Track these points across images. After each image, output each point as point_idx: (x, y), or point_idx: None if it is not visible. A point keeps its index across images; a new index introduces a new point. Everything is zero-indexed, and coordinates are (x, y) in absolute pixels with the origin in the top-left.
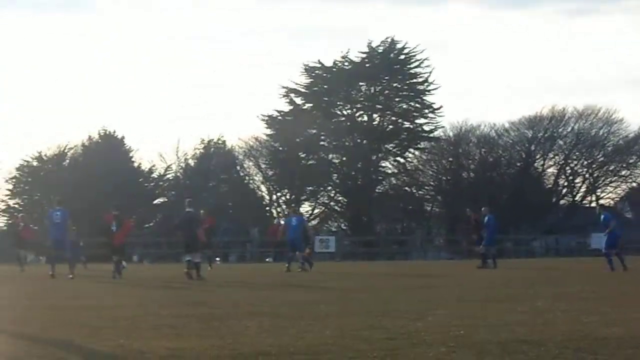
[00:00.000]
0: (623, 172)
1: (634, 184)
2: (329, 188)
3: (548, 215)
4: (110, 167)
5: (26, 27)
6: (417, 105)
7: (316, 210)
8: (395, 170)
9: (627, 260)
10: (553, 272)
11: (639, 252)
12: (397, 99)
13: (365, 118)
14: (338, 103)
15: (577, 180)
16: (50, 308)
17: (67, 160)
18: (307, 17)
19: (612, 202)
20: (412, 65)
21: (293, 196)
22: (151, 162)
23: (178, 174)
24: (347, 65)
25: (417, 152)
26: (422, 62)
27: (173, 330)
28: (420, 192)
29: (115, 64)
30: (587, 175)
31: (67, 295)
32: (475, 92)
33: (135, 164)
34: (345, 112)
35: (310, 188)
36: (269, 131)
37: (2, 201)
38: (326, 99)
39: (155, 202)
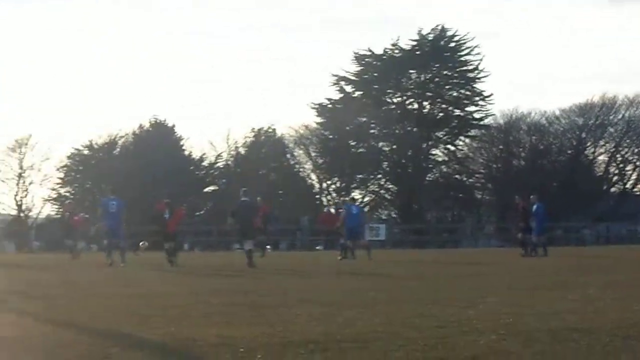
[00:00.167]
0: None
1: None
2: (379, 176)
3: (599, 203)
4: (160, 155)
5: (73, 13)
6: (468, 92)
7: (366, 198)
8: (446, 158)
9: None
10: (603, 260)
11: None
12: (447, 87)
13: (416, 106)
14: (388, 91)
15: (627, 168)
16: (100, 296)
17: (118, 149)
18: (358, 6)
19: None
20: (462, 53)
21: (343, 184)
22: (202, 150)
23: (229, 162)
24: (397, 53)
25: (467, 140)
26: (472, 50)
27: (223, 318)
28: (470, 180)
29: (166, 53)
30: (637, 163)
31: (117, 283)
32: (526, 80)
33: (186, 152)
34: (395, 100)
35: (360, 176)
36: (319, 119)
37: (53, 190)
38: (376, 86)
39: (205, 190)
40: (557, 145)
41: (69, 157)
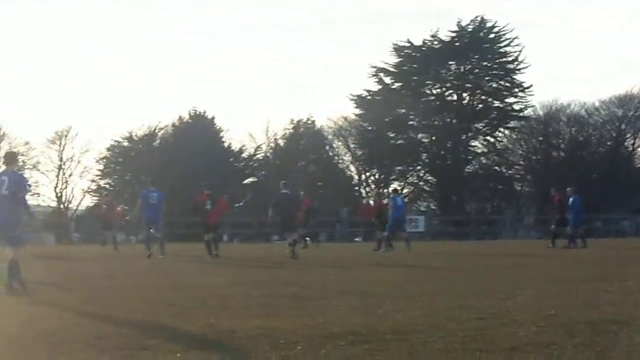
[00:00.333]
0: None
1: None
2: (418, 168)
3: (638, 194)
4: (200, 147)
5: (113, 3)
6: (507, 84)
7: (405, 190)
8: (485, 150)
9: None
10: None
11: None
12: (486, 78)
13: (455, 97)
14: (427, 82)
15: None
16: (139, 288)
17: (158, 141)
18: None
19: None
20: (502, 44)
21: (382, 176)
22: (241, 142)
23: (268, 154)
24: (436, 45)
25: (507, 132)
26: (512, 41)
27: (263, 309)
28: (510, 171)
29: (206, 44)
30: None
31: (156, 274)
32: (566, 71)
33: (226, 144)
34: (434, 92)
35: (399, 168)
36: (358, 111)
37: (93, 181)
38: (415, 78)
39: (245, 182)
40: (596, 137)
41: (108, 149)
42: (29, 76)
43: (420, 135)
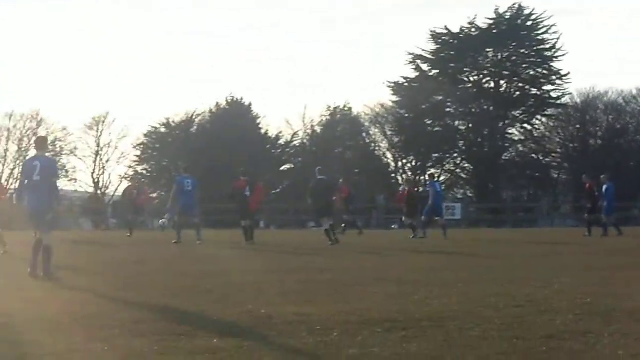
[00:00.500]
0: None
1: None
2: (455, 155)
3: None
4: (237, 133)
5: None
6: (544, 71)
7: (442, 178)
8: (522, 137)
9: None
10: None
11: None
12: (524, 65)
13: (492, 84)
14: (464, 69)
15: None
16: (176, 274)
17: (195, 127)
18: None
19: None
20: (539, 31)
21: (419, 163)
22: (278, 128)
23: (304, 141)
24: (474, 32)
25: (544, 119)
26: (549, 28)
27: (300, 296)
28: (547, 159)
29: (243, 30)
30: None
31: (193, 261)
32: (603, 59)
33: (262, 131)
34: (471, 79)
35: (436, 155)
36: (395, 98)
37: (130, 167)
38: (453, 65)
39: (282, 168)
40: (634, 125)
41: (146, 135)
42: (67, 62)
43: (457, 123)
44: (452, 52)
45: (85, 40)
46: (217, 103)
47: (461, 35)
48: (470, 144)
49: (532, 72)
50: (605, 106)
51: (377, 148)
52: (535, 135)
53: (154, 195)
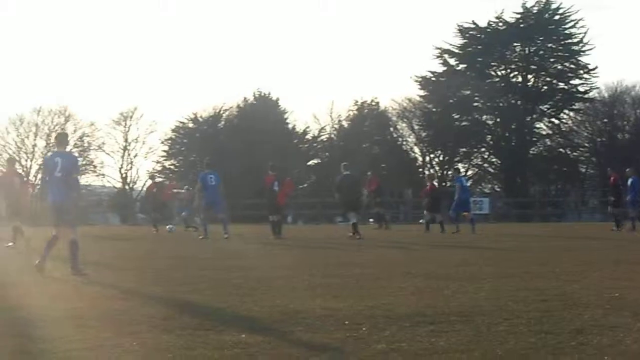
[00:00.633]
0: None
1: None
2: (483, 149)
3: None
4: (265, 128)
5: None
6: (572, 65)
7: (469, 172)
8: (550, 132)
9: None
10: None
11: None
12: (551, 60)
13: (520, 79)
14: (492, 64)
15: None
16: (203, 268)
17: (223, 122)
18: None
19: None
20: (566, 26)
21: (446, 157)
22: (305, 123)
23: (332, 136)
24: (501, 26)
25: (571, 113)
26: (576, 23)
27: (327, 290)
28: (574, 153)
29: (271, 25)
30: None
31: (220, 255)
32: (631, 53)
33: (290, 126)
34: (499, 73)
35: (464, 149)
36: (422, 92)
37: (158, 162)
38: (480, 59)
39: (309, 163)
40: None
41: (173, 130)
42: (95, 57)
43: (484, 117)
44: (479, 47)
45: (114, 35)
46: (245, 98)
47: (488, 30)
48: (498, 139)
49: (559, 67)
50: (632, 100)
51: (404, 143)
52: (563, 129)
53: (182, 190)
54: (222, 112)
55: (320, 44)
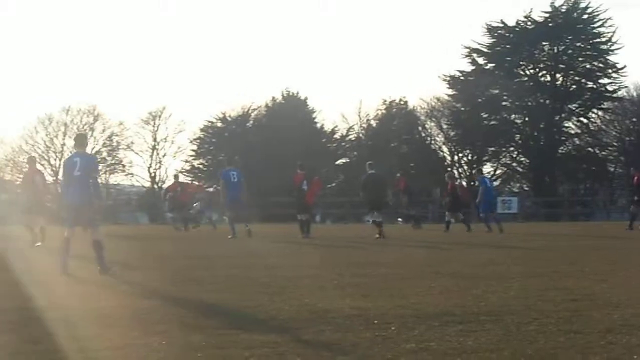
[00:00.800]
0: None
1: None
2: (511, 149)
3: None
4: (293, 127)
5: None
6: (600, 64)
7: (498, 171)
8: (578, 131)
9: None
10: None
11: None
12: (580, 59)
13: (548, 78)
14: (520, 63)
15: None
16: (232, 267)
17: (251, 121)
18: None
19: None
20: (595, 25)
21: (475, 157)
22: (334, 122)
23: (360, 135)
24: (529, 25)
25: (600, 112)
26: (605, 22)
27: (356, 290)
28: (603, 152)
29: (299, 25)
30: None
31: (248, 254)
32: None
33: (318, 125)
34: (527, 72)
35: (492, 149)
36: (450, 91)
37: (187, 162)
38: (509, 58)
39: (337, 162)
40: None
41: (202, 130)
42: (124, 56)
43: (513, 116)
44: (508, 46)
45: (142, 34)
46: (273, 97)
47: (517, 29)
48: (527, 138)
49: (588, 66)
50: None
51: (432, 142)
52: (592, 128)
53: (211, 189)
54: (250, 111)
55: (349, 43)
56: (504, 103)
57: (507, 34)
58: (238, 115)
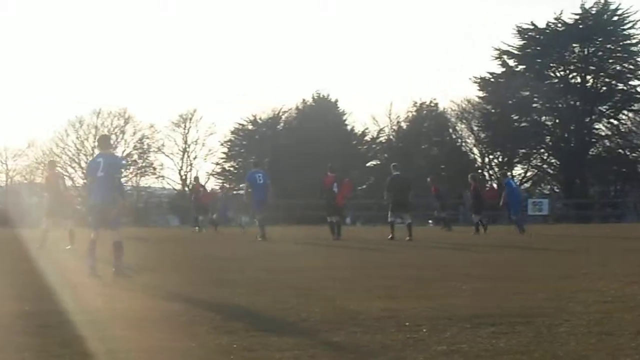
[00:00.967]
0: None
1: None
2: (542, 150)
3: None
4: (323, 130)
5: None
6: (631, 66)
7: (529, 173)
8: (609, 133)
9: None
10: None
11: None
12: (610, 61)
13: (578, 80)
14: (551, 65)
15: None
16: (262, 270)
17: (282, 124)
18: None
19: None
20: (625, 27)
21: (505, 159)
22: (364, 125)
23: (391, 137)
24: (560, 27)
25: (630, 114)
26: (635, 23)
27: (386, 291)
28: (634, 154)
29: (331, 27)
30: None
31: (277, 257)
32: None
33: (349, 127)
34: (558, 74)
35: (523, 150)
36: (481, 93)
37: (217, 164)
38: (539, 60)
39: (368, 164)
40: None
41: (232, 132)
42: (155, 59)
43: (543, 118)
44: (538, 48)
45: (173, 37)
46: (304, 99)
47: (547, 31)
48: (557, 140)
49: (618, 67)
50: None
51: (463, 144)
52: (622, 130)
53: (242, 192)
54: (281, 113)
55: (380, 46)
56: (534, 105)
57: (537, 36)
58: (269, 117)
